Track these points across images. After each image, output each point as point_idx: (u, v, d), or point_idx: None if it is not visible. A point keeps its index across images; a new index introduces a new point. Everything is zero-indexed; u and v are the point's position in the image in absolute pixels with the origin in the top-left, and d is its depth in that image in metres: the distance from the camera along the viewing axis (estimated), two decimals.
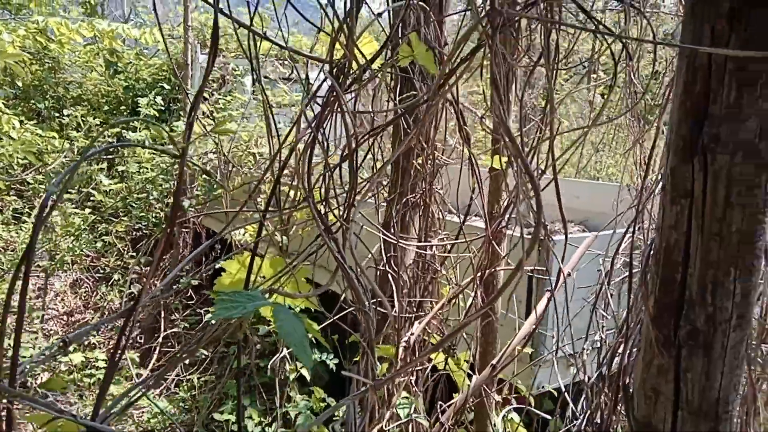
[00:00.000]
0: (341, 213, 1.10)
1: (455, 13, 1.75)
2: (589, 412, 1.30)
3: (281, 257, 1.15)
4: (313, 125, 1.04)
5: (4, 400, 0.73)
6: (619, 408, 1.24)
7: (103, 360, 5.55)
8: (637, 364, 1.00)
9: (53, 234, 6.50)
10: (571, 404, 1.59)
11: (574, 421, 1.41)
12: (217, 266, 1.30)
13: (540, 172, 1.30)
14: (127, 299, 6.15)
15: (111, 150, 7.30)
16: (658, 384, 0.94)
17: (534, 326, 1.60)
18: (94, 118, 7.91)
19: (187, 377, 5.42)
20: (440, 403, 1.78)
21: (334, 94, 1.01)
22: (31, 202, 7.35)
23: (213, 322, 1.05)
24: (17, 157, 6.30)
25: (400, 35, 1.30)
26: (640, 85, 1.86)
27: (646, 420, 0.97)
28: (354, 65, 1.07)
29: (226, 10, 1.03)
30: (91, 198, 7.15)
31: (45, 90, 8.65)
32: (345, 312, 1.60)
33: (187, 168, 5.41)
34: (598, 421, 1.27)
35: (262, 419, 4.38)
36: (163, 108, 8.00)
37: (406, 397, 1.78)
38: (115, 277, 7.07)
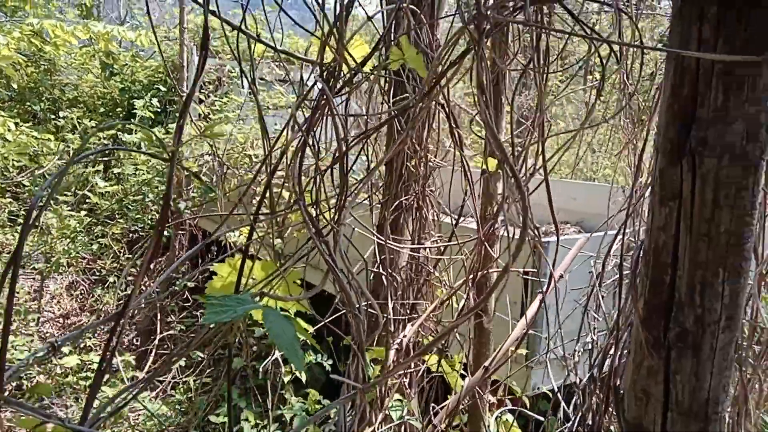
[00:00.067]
0: (332, 215, 1.10)
1: (445, 17, 1.75)
2: (580, 413, 1.31)
3: (272, 261, 1.15)
4: (303, 128, 1.05)
5: None
6: (610, 409, 1.24)
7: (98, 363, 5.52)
8: (628, 366, 1.00)
9: (49, 236, 6.48)
10: (563, 405, 1.60)
11: (567, 423, 1.41)
12: (209, 269, 1.30)
13: (529, 175, 1.30)
14: (121, 301, 6.13)
15: (105, 152, 7.28)
16: (648, 385, 0.95)
17: (525, 329, 1.60)
18: (89, 120, 7.90)
19: (184, 380, 5.41)
20: (433, 405, 1.78)
21: (325, 97, 1.01)
22: (27, 204, 7.33)
23: (206, 325, 1.05)
24: (12, 160, 6.28)
25: (392, 38, 1.30)
26: (632, 86, 1.87)
27: (636, 421, 0.98)
28: (345, 68, 1.07)
29: (221, 13, 1.03)
30: (87, 200, 7.12)
31: (41, 92, 8.63)
32: (339, 314, 1.60)
33: (182, 170, 5.40)
34: (590, 422, 1.27)
35: (259, 421, 4.37)
36: (159, 110, 7.99)
37: (399, 400, 1.78)
38: (111, 279, 7.05)
